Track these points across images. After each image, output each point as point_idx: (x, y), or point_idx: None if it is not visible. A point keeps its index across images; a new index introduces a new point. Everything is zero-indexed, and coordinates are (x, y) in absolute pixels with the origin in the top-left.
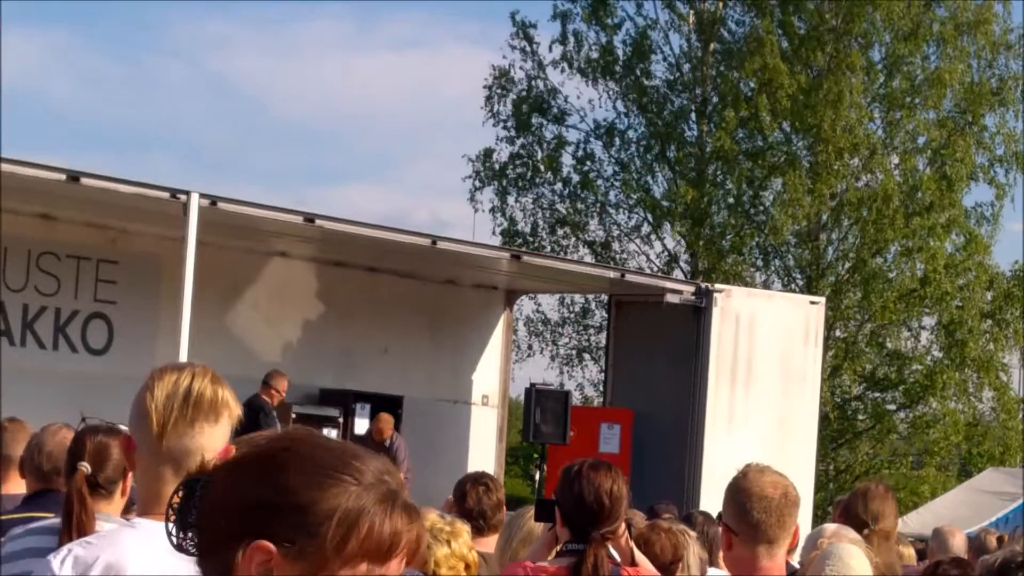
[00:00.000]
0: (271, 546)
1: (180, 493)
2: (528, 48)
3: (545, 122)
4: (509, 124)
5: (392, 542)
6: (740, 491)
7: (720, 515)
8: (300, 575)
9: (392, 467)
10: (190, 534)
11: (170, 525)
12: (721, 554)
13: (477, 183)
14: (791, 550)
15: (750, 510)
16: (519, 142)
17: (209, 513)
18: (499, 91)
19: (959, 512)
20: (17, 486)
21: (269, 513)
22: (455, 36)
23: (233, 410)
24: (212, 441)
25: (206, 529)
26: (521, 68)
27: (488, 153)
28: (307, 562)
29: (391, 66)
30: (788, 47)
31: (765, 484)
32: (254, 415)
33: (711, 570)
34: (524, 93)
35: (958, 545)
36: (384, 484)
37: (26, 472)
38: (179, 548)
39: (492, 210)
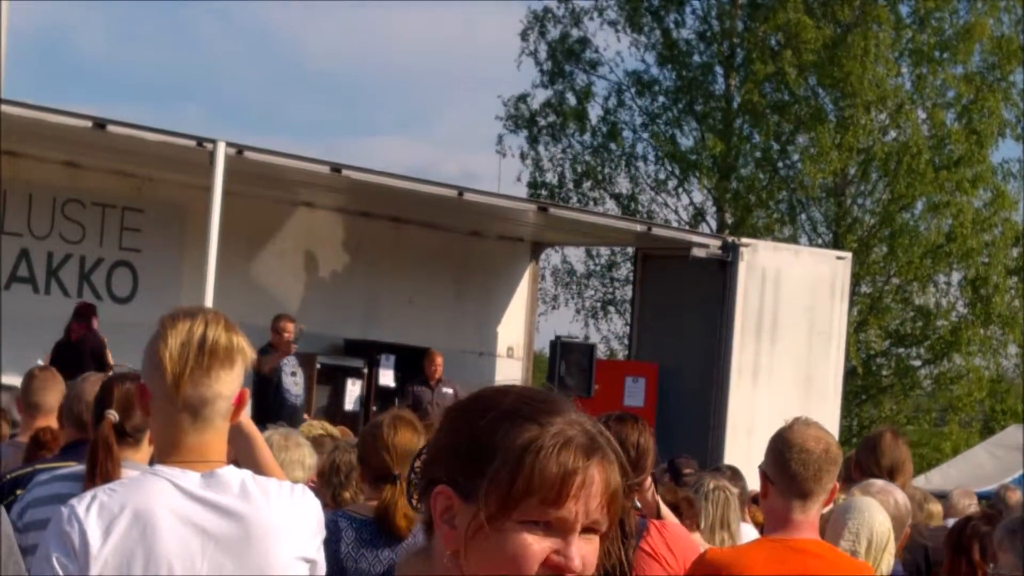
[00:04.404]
0: (450, 490)
1: (422, 456)
2: None
3: (576, 70)
4: (545, 67)
5: (562, 480)
6: (782, 441)
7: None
8: (474, 518)
9: (590, 418)
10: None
11: (408, 485)
12: (748, 508)
13: (508, 126)
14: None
15: (788, 461)
16: (550, 90)
17: (421, 467)
18: (537, 30)
19: (981, 469)
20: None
21: (454, 458)
22: None
23: (247, 354)
24: (228, 387)
25: (419, 481)
26: (553, 16)
27: (521, 98)
28: (478, 503)
29: (422, 18)
30: (815, 1)
31: (808, 437)
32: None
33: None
34: (557, 40)
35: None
36: (570, 427)
37: (64, 422)
38: (414, 508)
39: (522, 156)
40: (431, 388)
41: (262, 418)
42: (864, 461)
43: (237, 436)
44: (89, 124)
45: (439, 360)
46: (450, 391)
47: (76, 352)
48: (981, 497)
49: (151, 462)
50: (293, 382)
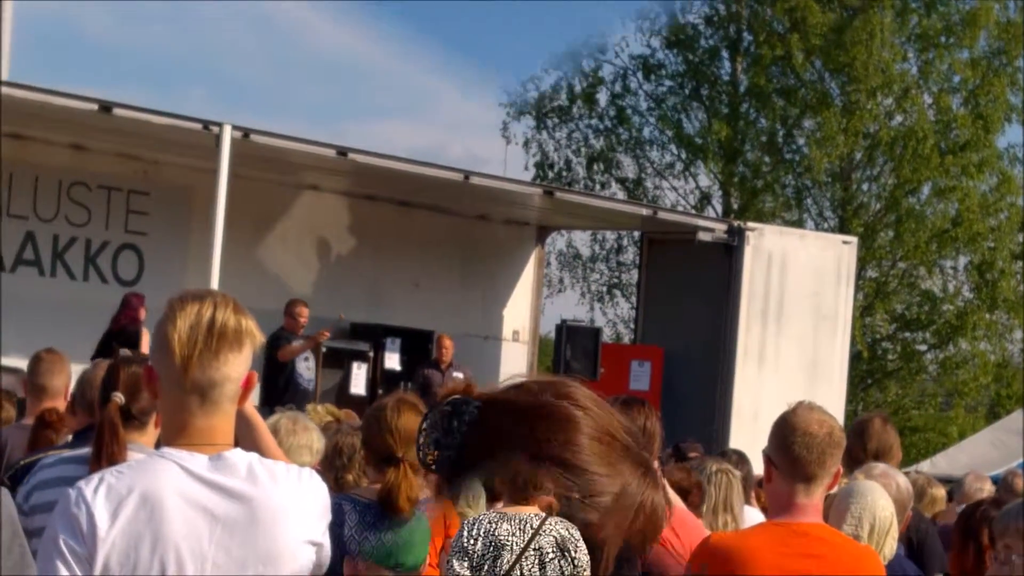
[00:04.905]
0: (556, 503)
1: (443, 412)
2: None
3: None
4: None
5: (655, 527)
6: (786, 425)
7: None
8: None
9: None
10: (438, 453)
11: (421, 438)
12: (754, 492)
13: (512, 113)
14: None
15: (792, 444)
16: (556, 74)
17: (480, 446)
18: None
19: (987, 454)
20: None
21: (559, 469)
22: None
23: (256, 337)
24: (236, 370)
25: (468, 458)
26: None
27: (529, 80)
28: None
29: None
30: None
31: (811, 421)
32: (274, 346)
33: (745, 508)
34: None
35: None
36: (648, 464)
37: (76, 408)
38: (424, 464)
39: (526, 143)
40: (442, 372)
41: (273, 402)
42: (852, 445)
43: (238, 422)
44: (95, 107)
45: (448, 344)
46: (460, 375)
47: (119, 342)
48: None
49: (158, 445)
50: (306, 367)
